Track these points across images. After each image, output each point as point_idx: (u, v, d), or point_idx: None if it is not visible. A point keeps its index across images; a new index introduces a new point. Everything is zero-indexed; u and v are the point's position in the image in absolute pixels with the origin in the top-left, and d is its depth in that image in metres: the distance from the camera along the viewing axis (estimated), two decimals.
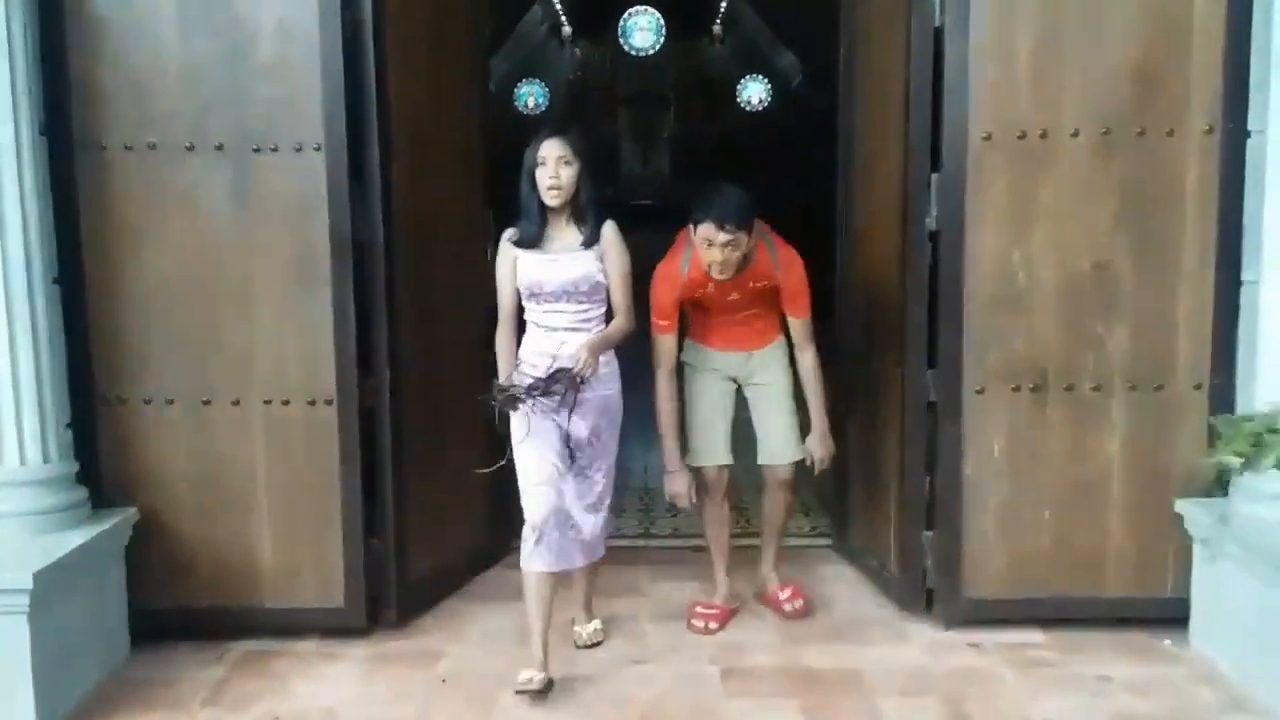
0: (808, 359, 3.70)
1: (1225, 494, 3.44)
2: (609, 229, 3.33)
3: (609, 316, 3.36)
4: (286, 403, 3.55)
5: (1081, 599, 3.63)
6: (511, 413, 3.24)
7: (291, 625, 3.63)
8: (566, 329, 3.30)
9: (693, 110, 14.02)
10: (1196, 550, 3.51)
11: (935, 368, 3.63)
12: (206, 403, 3.55)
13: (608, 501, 3.47)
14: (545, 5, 12.97)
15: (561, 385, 3.16)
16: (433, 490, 3.84)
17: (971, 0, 3.46)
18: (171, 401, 3.54)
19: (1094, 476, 3.60)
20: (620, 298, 3.33)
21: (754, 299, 3.65)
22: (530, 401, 3.18)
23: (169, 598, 3.60)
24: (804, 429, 3.77)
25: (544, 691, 3.19)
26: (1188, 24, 3.46)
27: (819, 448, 3.75)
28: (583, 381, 3.18)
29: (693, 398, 3.76)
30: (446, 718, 3.14)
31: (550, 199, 3.25)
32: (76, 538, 3.24)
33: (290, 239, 3.50)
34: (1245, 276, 3.47)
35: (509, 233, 3.37)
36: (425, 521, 3.81)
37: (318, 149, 3.45)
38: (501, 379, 3.27)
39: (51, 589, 3.05)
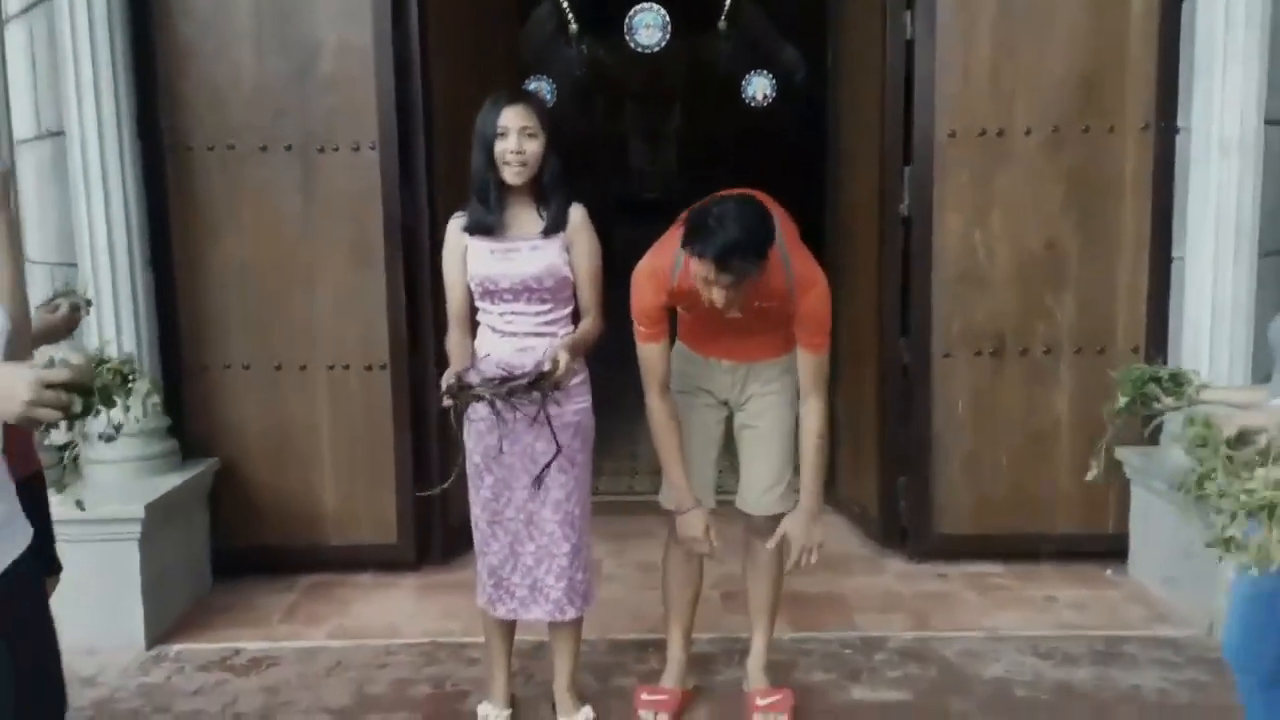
0: (814, 412, 2.86)
1: (1157, 443, 3.98)
2: (577, 214, 2.85)
3: (575, 318, 2.90)
4: (346, 368, 4.11)
5: (1035, 535, 4.17)
6: (467, 422, 2.86)
7: (351, 560, 4.19)
8: (529, 334, 2.82)
9: (699, 105, 14.47)
10: (1133, 491, 4.06)
11: (907, 335, 4.17)
12: (277, 368, 4.10)
13: (584, 548, 2.94)
14: (553, 3, 13.45)
15: (539, 392, 2.67)
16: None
17: (938, 17, 3.99)
18: (247, 367, 4.10)
19: (1045, 429, 4.14)
20: (590, 296, 2.87)
21: (760, 319, 2.82)
22: (493, 401, 2.67)
23: (244, 537, 4.16)
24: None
25: None
26: (1125, 35, 3.99)
27: (801, 532, 2.84)
28: (558, 388, 2.70)
29: None
30: None
31: (512, 176, 2.75)
32: (173, 480, 3.81)
33: (349, 226, 4.05)
34: (1175, 254, 4.00)
35: (457, 218, 2.88)
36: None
37: (373, 148, 3.99)
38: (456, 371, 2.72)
39: (154, 522, 3.61)
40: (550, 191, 2.82)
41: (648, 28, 14.06)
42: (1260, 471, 1.66)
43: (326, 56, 3.97)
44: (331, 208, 4.04)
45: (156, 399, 1.70)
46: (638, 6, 13.91)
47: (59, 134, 3.82)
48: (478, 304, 2.87)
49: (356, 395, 4.12)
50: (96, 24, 3.62)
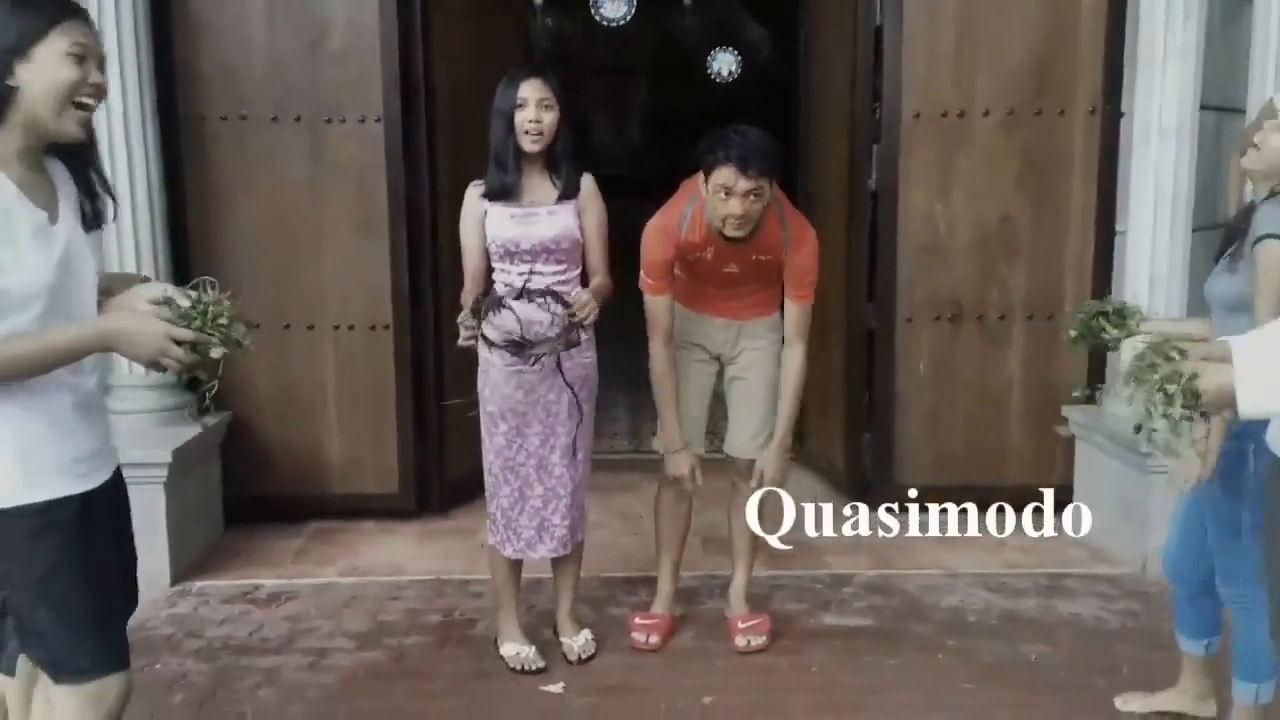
0: (795, 355, 3.25)
1: (1097, 402, 4.36)
2: (588, 183, 3.12)
3: (583, 280, 3.14)
4: (351, 328, 4.37)
5: (988, 485, 4.52)
6: (483, 374, 3.14)
7: (354, 508, 4.47)
8: (546, 292, 3.02)
9: (664, 81, 14.63)
10: (1078, 446, 4.43)
11: (873, 301, 4.51)
12: (286, 327, 4.35)
13: (582, 489, 3.27)
14: None
15: (566, 333, 2.96)
16: (469, 402, 4.66)
17: (905, 6, 4.31)
18: (257, 326, 4.27)
19: (998, 388, 4.51)
20: (599, 256, 3.14)
21: (753, 274, 3.21)
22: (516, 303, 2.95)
23: (253, 486, 4.41)
24: None
25: (542, 669, 3.23)
26: (1075, 27, 4.33)
27: (771, 466, 3.27)
28: (583, 330, 2.99)
29: None
30: (488, 570, 3.99)
31: (529, 144, 2.99)
32: (192, 430, 4.06)
33: (355, 194, 4.31)
34: (1118, 227, 4.36)
35: (475, 186, 3.12)
36: (463, 428, 4.62)
37: (378, 121, 4.25)
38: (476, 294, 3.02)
39: (177, 468, 3.86)
40: (563, 160, 3.08)
41: (613, 1, 14.18)
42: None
43: (335, 33, 4.22)
44: (338, 177, 4.29)
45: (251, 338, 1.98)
46: None
47: None
48: (496, 264, 3.11)
49: (360, 354, 4.39)
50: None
